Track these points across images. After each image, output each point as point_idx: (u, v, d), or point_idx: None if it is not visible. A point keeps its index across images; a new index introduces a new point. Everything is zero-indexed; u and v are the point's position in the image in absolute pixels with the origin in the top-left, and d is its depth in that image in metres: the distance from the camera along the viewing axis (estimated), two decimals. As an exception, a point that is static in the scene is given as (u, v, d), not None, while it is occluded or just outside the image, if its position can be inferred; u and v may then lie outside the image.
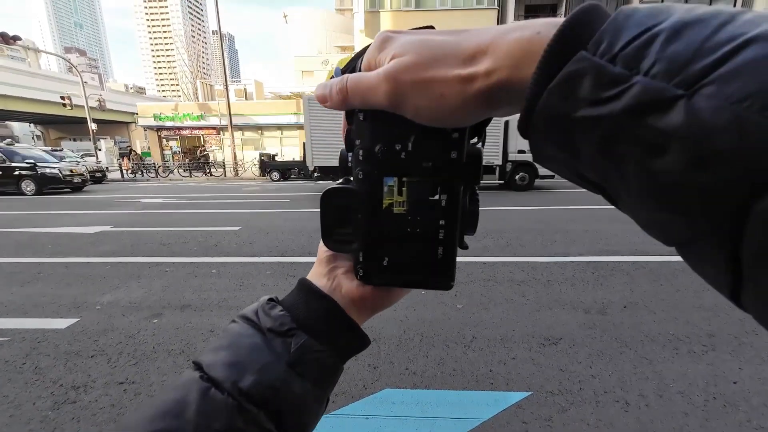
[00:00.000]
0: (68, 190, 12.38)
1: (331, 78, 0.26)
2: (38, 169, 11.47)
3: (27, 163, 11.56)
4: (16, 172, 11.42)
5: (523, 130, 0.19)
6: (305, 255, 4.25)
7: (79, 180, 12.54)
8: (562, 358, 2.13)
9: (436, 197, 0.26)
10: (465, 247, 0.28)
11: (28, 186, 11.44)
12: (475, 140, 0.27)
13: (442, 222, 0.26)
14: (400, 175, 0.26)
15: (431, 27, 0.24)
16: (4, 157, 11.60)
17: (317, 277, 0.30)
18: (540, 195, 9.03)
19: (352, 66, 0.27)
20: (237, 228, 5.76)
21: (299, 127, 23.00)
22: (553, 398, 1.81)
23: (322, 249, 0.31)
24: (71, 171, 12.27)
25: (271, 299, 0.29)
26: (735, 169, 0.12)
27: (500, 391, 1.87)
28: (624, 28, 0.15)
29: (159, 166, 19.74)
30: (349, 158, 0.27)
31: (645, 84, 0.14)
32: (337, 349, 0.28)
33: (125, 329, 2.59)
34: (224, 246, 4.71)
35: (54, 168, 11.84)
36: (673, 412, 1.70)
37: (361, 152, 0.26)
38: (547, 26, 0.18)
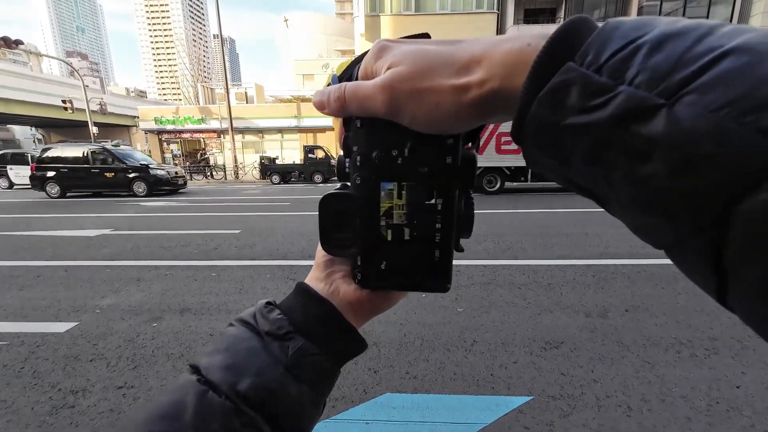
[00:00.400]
0: (167, 191, 12.59)
1: (329, 85, 0.26)
2: (151, 171, 11.78)
3: (141, 164, 11.90)
4: (131, 174, 11.68)
5: (516, 137, 0.19)
6: (305, 258, 4.24)
7: (182, 182, 13.19)
8: (564, 362, 2.12)
9: (433, 201, 0.26)
10: (461, 249, 0.28)
11: (139, 187, 11.71)
12: (469, 145, 0.27)
13: (438, 225, 0.27)
14: (397, 180, 0.26)
15: (427, 35, 0.25)
16: (116, 158, 11.86)
17: (315, 281, 0.30)
18: (540, 199, 9.03)
19: (348, 74, 0.27)
20: (237, 231, 5.75)
21: (300, 130, 23.10)
22: (555, 403, 1.80)
23: (320, 253, 0.31)
24: (176, 173, 12.89)
25: (268, 303, 0.29)
26: (716, 174, 0.13)
27: (501, 396, 1.86)
28: (610, 39, 0.16)
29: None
30: (347, 164, 0.28)
31: (629, 93, 0.14)
32: (334, 352, 0.28)
33: (125, 333, 2.58)
34: (224, 249, 4.71)
35: (163, 170, 12.35)
36: (676, 416, 1.69)
37: (358, 158, 0.26)
38: (537, 38, 0.18)
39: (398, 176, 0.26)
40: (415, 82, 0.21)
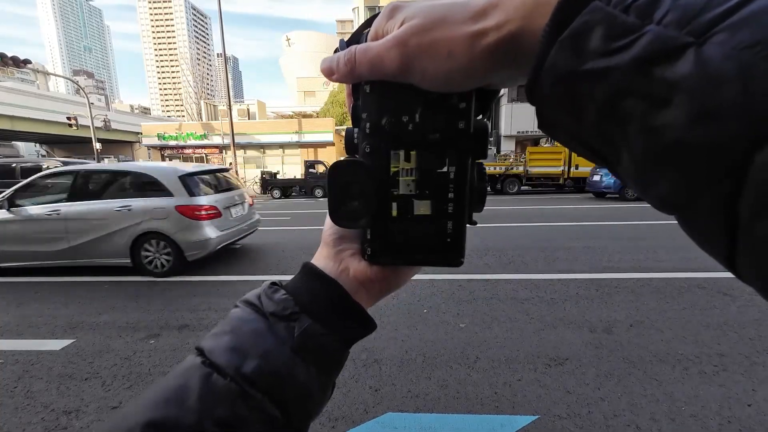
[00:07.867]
0: None
1: (336, 52, 0.25)
2: None
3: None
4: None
5: (531, 91, 0.18)
6: (305, 273, 4.21)
7: None
8: (569, 380, 2.07)
9: (445, 169, 0.25)
10: (474, 223, 0.27)
11: None
12: (480, 117, 0.26)
13: (451, 195, 0.25)
14: (408, 147, 0.25)
15: None
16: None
17: (323, 259, 0.29)
18: (540, 212, 9.03)
19: (356, 39, 0.26)
20: (238, 246, 5.74)
21: (301, 145, 23.36)
22: (562, 422, 1.75)
23: (329, 231, 0.30)
24: None
25: (273, 283, 0.28)
26: (739, 119, 0.12)
27: (506, 415, 1.81)
28: None
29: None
30: (355, 135, 0.27)
31: (656, 32, 0.14)
32: (341, 333, 0.27)
33: (121, 350, 2.53)
34: (224, 264, 4.68)
35: None
36: (686, 437, 1.63)
37: (368, 126, 0.25)
38: None
39: (409, 143, 0.25)
40: (428, 33, 0.20)
